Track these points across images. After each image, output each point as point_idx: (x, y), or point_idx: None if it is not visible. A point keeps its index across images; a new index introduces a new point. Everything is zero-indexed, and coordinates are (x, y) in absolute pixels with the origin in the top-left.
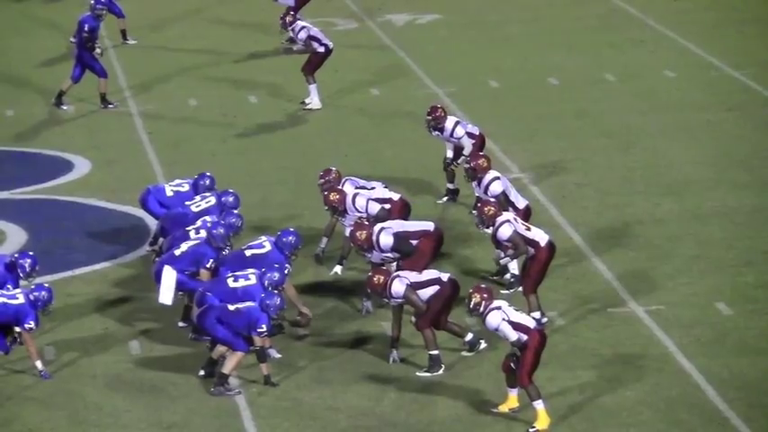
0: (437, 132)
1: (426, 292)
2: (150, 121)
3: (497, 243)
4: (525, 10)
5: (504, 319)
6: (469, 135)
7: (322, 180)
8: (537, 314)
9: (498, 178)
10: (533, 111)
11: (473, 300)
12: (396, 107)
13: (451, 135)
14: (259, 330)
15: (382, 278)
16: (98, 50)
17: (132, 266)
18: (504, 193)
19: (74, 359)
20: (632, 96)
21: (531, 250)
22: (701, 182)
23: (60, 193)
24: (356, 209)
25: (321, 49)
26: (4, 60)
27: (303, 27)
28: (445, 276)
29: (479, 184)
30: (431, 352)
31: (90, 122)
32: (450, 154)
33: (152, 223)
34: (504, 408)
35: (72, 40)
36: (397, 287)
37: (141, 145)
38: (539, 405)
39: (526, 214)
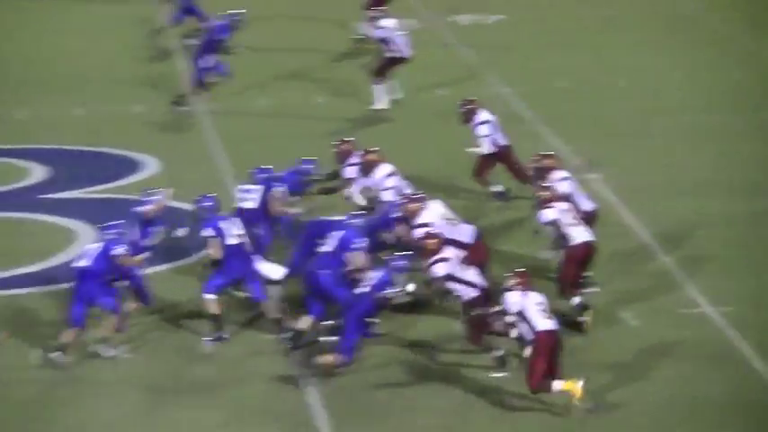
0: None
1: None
2: (218, 121)
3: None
4: (594, 8)
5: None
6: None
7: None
8: (577, 299)
9: (567, 179)
10: (602, 111)
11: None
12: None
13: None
14: None
15: (434, 242)
16: (236, 50)
17: (199, 266)
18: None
19: (147, 357)
20: (704, 96)
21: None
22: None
23: (129, 193)
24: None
25: (391, 54)
26: (72, 61)
27: (383, 27)
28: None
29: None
30: (494, 354)
31: (159, 122)
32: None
33: None
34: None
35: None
36: (438, 269)
37: (210, 144)
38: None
39: (590, 217)
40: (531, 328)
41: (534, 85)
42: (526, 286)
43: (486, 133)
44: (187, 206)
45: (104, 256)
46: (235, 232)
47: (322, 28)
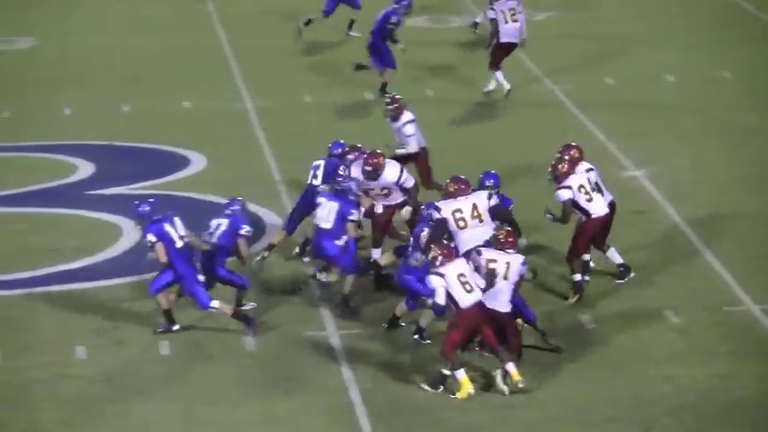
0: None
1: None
2: (266, 117)
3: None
4: (639, 6)
5: (442, 286)
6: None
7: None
8: (578, 276)
9: (591, 170)
10: (648, 108)
11: (431, 253)
12: (511, 104)
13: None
14: None
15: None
16: (400, 45)
17: (247, 261)
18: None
19: (189, 354)
20: (747, 94)
21: (584, 218)
22: None
23: (176, 189)
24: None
25: (500, 40)
26: (119, 57)
27: (494, 18)
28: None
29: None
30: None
31: (206, 118)
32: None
33: (266, 219)
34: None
35: (351, 33)
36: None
37: (256, 141)
38: (460, 375)
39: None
40: (454, 303)
41: (581, 81)
42: (447, 258)
43: (413, 132)
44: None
45: (231, 232)
46: (179, 235)
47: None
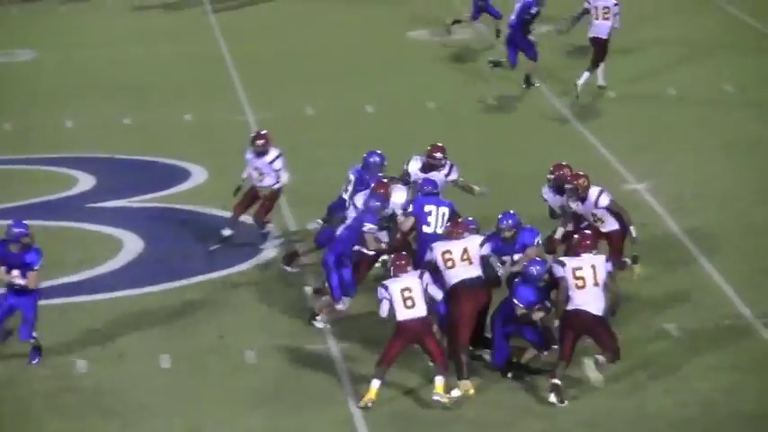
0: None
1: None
2: (267, 129)
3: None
4: (643, 21)
5: (385, 299)
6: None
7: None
8: None
9: (604, 191)
10: (651, 121)
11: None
12: (511, 117)
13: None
14: None
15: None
16: (532, 36)
17: (248, 275)
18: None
19: (189, 368)
20: (751, 106)
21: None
22: None
23: (177, 202)
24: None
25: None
26: (119, 69)
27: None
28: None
29: (584, 202)
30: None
31: (207, 131)
32: None
33: (274, 232)
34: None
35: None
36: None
37: None
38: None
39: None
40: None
41: (583, 95)
42: (400, 271)
43: (281, 167)
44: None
45: (356, 228)
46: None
47: (370, 38)
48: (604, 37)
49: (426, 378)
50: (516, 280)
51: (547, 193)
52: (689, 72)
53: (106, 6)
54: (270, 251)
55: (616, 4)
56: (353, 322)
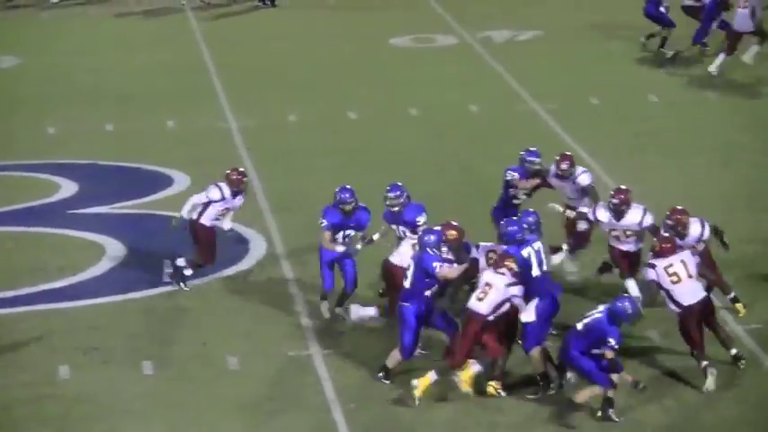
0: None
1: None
2: (249, 137)
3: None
4: (626, 27)
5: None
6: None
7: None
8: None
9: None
10: (634, 128)
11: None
12: (495, 124)
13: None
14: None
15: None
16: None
17: (231, 281)
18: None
19: (172, 374)
20: (732, 113)
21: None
22: None
23: (159, 208)
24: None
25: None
26: (102, 76)
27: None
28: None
29: (683, 238)
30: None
31: (189, 138)
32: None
33: (250, 238)
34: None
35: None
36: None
37: (240, 160)
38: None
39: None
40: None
41: (567, 102)
42: (498, 266)
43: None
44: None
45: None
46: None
47: (355, 45)
48: (745, 29)
49: (406, 385)
50: (601, 316)
51: (601, 212)
52: (670, 79)
53: (89, 14)
54: (252, 258)
55: None
56: (337, 329)
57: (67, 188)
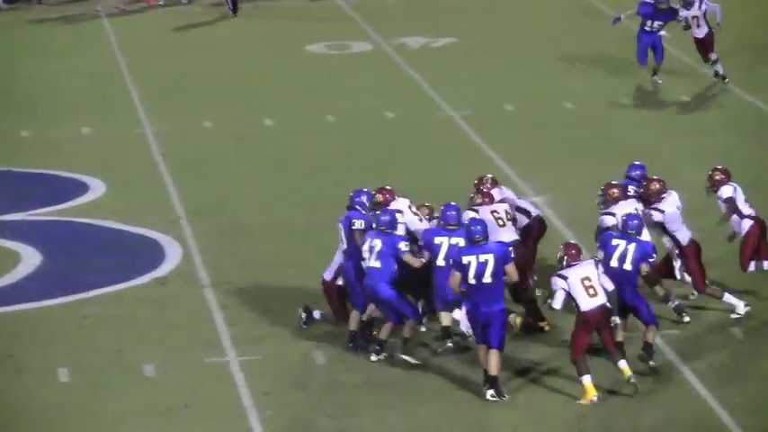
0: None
1: None
2: (164, 143)
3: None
4: (541, 35)
5: (563, 289)
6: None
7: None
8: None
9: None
10: (549, 135)
11: (558, 253)
12: (411, 130)
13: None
14: None
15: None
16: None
17: (147, 288)
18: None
19: (88, 381)
20: (648, 120)
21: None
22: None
23: (75, 215)
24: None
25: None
26: (17, 82)
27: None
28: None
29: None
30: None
31: (104, 144)
32: None
33: (166, 245)
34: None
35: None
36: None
37: (156, 167)
38: (586, 380)
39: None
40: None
41: (482, 108)
42: (574, 260)
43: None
44: (132, 228)
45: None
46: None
47: (268, 49)
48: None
49: (325, 390)
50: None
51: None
52: (586, 85)
53: (2, 20)
54: (168, 265)
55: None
56: (255, 334)
57: None
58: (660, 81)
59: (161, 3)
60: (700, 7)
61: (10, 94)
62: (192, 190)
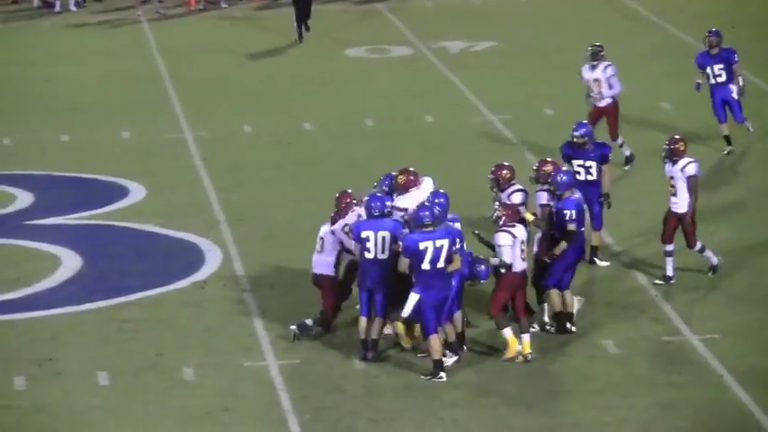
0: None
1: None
2: (204, 147)
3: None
4: (582, 38)
5: (508, 245)
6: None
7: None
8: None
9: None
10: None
11: (496, 213)
12: (450, 134)
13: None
14: None
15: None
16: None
17: (186, 292)
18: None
19: (127, 385)
20: (688, 124)
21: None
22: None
23: (115, 219)
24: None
25: None
26: (58, 87)
27: None
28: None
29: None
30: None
31: (145, 148)
32: None
33: (205, 249)
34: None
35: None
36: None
37: (196, 171)
38: (507, 333)
39: None
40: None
41: (521, 112)
42: (511, 220)
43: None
44: (172, 232)
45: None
46: None
47: (306, 57)
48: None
49: (363, 394)
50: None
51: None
52: (626, 89)
53: (43, 26)
54: (207, 269)
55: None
56: (292, 339)
57: (23, 199)
58: (751, 129)
59: (201, 6)
60: (604, 70)
61: (51, 98)
62: (232, 194)
